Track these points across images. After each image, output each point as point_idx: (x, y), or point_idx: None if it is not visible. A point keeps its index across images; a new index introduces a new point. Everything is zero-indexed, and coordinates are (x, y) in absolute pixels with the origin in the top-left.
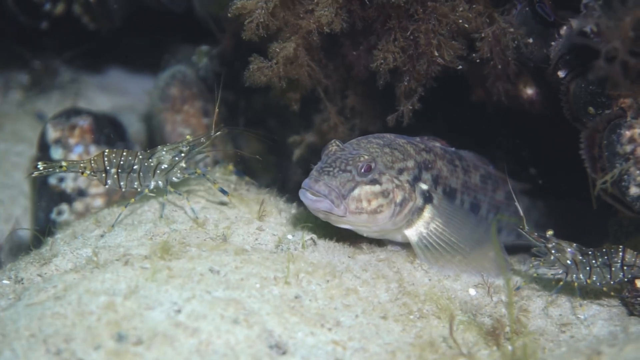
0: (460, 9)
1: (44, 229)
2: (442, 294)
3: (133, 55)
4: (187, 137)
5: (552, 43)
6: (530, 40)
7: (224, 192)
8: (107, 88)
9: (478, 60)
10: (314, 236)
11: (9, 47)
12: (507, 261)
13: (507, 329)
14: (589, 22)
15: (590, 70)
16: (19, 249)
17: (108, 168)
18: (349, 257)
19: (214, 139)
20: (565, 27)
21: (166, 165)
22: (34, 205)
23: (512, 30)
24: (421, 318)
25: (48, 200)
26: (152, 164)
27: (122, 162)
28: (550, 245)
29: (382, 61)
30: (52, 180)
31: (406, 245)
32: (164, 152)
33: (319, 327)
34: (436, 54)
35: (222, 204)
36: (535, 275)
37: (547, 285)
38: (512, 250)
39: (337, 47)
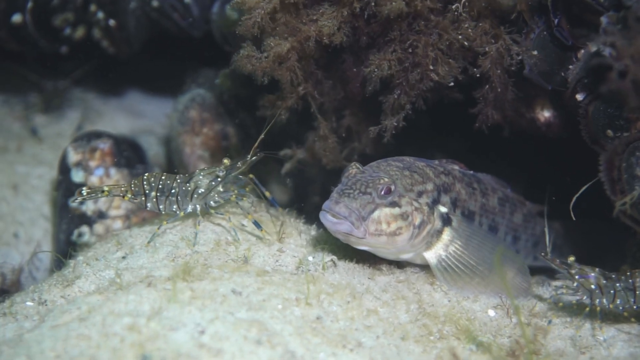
0: (466, 25)
1: (65, 251)
2: (461, 315)
3: (152, 78)
4: (225, 161)
5: (570, 67)
6: (535, 53)
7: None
8: (126, 111)
9: (478, 75)
10: (334, 258)
11: (28, 70)
12: (529, 283)
13: (526, 350)
14: (605, 41)
15: (603, 83)
16: (40, 271)
17: (148, 192)
18: (369, 278)
19: (250, 163)
20: (583, 51)
21: (203, 190)
22: (54, 228)
23: (516, 48)
24: (441, 339)
25: (69, 223)
26: (189, 188)
27: (160, 186)
28: (573, 271)
29: (375, 68)
30: (71, 202)
31: (425, 266)
32: (201, 177)
33: (340, 347)
34: (431, 67)
35: (243, 225)
36: (560, 304)
37: (567, 307)
38: (530, 271)
39: (337, 64)
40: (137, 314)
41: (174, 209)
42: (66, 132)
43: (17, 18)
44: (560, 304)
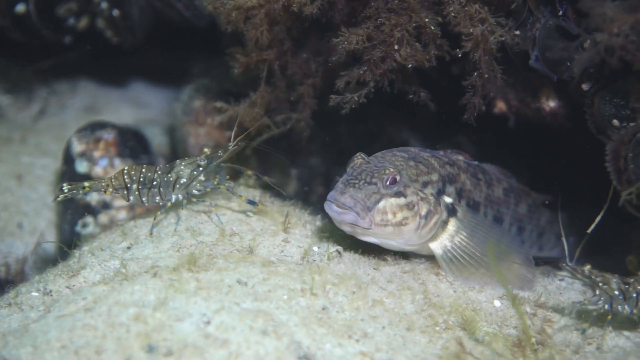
0: (451, 8)
1: (69, 242)
2: (467, 306)
3: (156, 68)
4: (205, 150)
5: (576, 56)
6: (518, 33)
7: (252, 202)
8: (130, 101)
9: (460, 56)
10: (340, 248)
11: (32, 60)
12: (534, 274)
13: (533, 340)
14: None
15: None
16: (44, 261)
17: (129, 185)
18: (374, 268)
19: (232, 152)
20: (589, 40)
21: (185, 180)
22: (58, 218)
23: (500, 30)
24: (447, 329)
25: (73, 213)
26: (171, 179)
27: (142, 178)
28: (598, 279)
29: (345, 41)
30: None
31: (430, 257)
32: (182, 167)
33: (346, 338)
34: (395, 47)
35: (248, 216)
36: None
37: (573, 297)
38: (535, 262)
39: (316, 39)
40: (143, 304)
41: (157, 201)
42: (70, 123)
43: (20, 8)
44: (583, 316)
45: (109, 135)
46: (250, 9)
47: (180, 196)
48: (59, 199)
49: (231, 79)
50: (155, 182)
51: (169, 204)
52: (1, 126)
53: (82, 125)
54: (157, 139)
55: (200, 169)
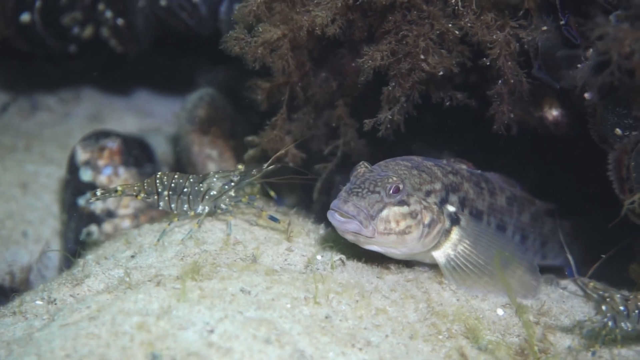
0: (466, 19)
1: (74, 250)
2: (470, 314)
3: (160, 77)
4: (239, 167)
5: (579, 65)
6: (545, 28)
7: (274, 219)
8: (135, 110)
9: (488, 63)
10: (343, 257)
11: (36, 69)
12: (539, 281)
13: (536, 348)
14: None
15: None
16: (49, 270)
17: (160, 190)
18: (378, 277)
19: (265, 172)
20: (591, 50)
21: (215, 192)
22: (63, 227)
23: (524, 32)
24: (450, 338)
25: (77, 222)
26: (202, 189)
27: (173, 185)
28: (606, 295)
29: (369, 59)
30: (82, 202)
31: (433, 266)
32: (214, 179)
33: (349, 347)
34: (422, 57)
35: (251, 225)
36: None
37: (576, 305)
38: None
39: (333, 57)
40: (147, 313)
41: (185, 209)
42: (75, 131)
43: (25, 17)
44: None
45: (113, 144)
46: (276, 41)
47: (207, 208)
48: (91, 200)
49: (234, 88)
50: (185, 190)
51: (192, 213)
52: (6, 134)
53: (86, 134)
54: (162, 148)
55: (232, 184)
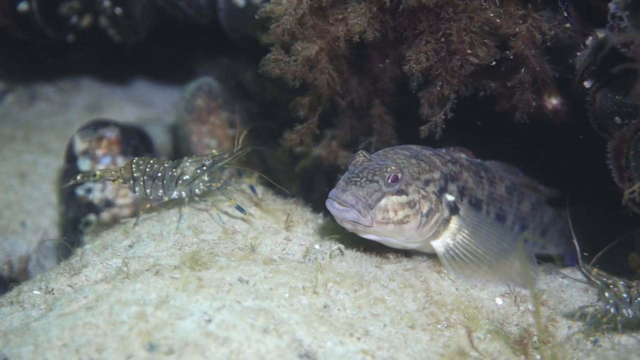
0: (490, 13)
1: (72, 240)
2: (469, 304)
3: (158, 67)
4: (213, 151)
5: (578, 53)
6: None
7: (240, 209)
8: (133, 99)
9: (512, 57)
10: (341, 246)
11: (35, 59)
12: (536, 272)
13: (535, 338)
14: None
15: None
16: (48, 259)
17: (136, 175)
18: (376, 266)
19: (237, 155)
20: (591, 38)
21: (188, 177)
22: (61, 216)
23: (546, 24)
24: (449, 327)
25: (76, 211)
26: (175, 174)
27: (148, 170)
28: (609, 282)
29: (414, 63)
30: (80, 191)
31: (432, 255)
32: (187, 164)
33: (348, 336)
34: (469, 51)
35: (250, 214)
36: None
37: (575, 294)
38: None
39: (363, 60)
40: (144, 302)
41: (159, 194)
42: (73, 121)
43: (23, 6)
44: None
45: (111, 134)
46: (315, 56)
47: (183, 193)
48: (69, 184)
49: (232, 77)
50: (159, 175)
51: (165, 198)
52: (4, 124)
53: (85, 124)
54: (160, 137)
55: (204, 168)
